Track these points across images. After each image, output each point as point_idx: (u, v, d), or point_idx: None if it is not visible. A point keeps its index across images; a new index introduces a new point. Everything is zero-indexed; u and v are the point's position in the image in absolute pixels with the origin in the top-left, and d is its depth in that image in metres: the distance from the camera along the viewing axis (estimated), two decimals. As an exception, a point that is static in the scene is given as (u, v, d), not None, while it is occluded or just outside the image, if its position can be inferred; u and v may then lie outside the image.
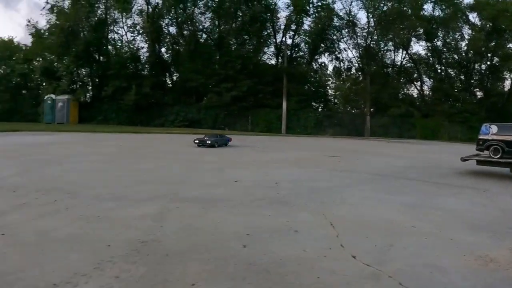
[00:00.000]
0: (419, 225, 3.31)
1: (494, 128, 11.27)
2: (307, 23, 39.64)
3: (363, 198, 4.53)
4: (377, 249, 2.61)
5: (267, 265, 2.33)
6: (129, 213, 3.86)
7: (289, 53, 38.39)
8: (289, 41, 39.09)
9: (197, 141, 12.36)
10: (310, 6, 37.78)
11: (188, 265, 2.39)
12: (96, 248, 2.73)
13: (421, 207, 4.22)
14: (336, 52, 41.41)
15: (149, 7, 36.49)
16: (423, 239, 2.89)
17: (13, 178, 5.58)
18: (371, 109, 40.58)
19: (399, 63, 43.28)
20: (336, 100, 45.75)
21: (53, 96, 34.51)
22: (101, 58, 36.84)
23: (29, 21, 40.79)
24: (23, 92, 41.69)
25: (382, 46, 41.90)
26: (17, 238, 3.01)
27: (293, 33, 39.22)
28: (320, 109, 39.88)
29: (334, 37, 40.91)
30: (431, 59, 42.87)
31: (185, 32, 37.15)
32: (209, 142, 12.22)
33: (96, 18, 37.39)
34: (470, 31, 39.71)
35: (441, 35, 40.68)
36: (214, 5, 36.73)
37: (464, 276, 2.25)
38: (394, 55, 42.75)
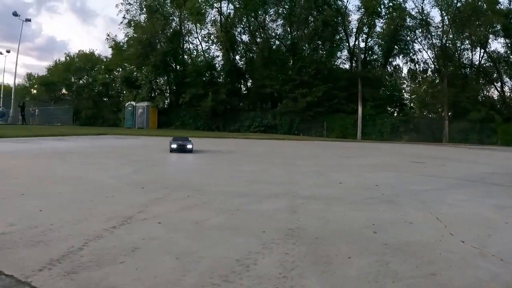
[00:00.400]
0: (511, 221, 3.79)
1: None
2: (379, 25, 38.44)
3: (457, 200, 4.87)
4: (479, 238, 3.18)
5: (398, 245, 2.84)
6: (263, 207, 3.98)
7: (362, 57, 37.40)
8: (362, 45, 38.14)
9: (175, 146, 9.73)
10: (382, 7, 36.63)
11: (337, 245, 2.76)
12: (253, 233, 2.95)
13: (510, 208, 4.61)
14: (411, 54, 39.66)
15: (222, 17, 37.60)
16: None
17: (132, 176, 5.72)
18: (449, 113, 38.12)
19: (477, 62, 40.27)
20: (412, 105, 43.58)
21: (133, 103, 36.64)
22: (178, 67, 38.51)
23: (108, 35, 44.00)
24: (105, 99, 44.84)
25: (458, 45, 39.31)
26: (176, 226, 3.09)
27: (365, 36, 38.26)
28: (395, 114, 38.21)
29: (408, 38, 39.21)
30: (511, 57, 39.36)
31: (258, 40, 37.70)
32: (190, 147, 10.12)
33: (171, 30, 39.22)
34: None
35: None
36: (285, 12, 36.96)
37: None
38: (472, 55, 39.78)
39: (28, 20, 42.00)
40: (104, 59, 46.06)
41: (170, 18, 39.69)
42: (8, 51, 48.74)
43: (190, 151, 9.78)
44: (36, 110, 42.99)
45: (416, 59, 39.63)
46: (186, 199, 4.15)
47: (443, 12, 37.23)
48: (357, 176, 6.73)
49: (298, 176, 6.86)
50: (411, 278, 2.31)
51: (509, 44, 38.25)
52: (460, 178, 7.35)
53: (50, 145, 12.04)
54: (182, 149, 9.78)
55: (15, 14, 39.31)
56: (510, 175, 8.55)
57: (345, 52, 38.53)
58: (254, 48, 37.69)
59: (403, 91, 42.95)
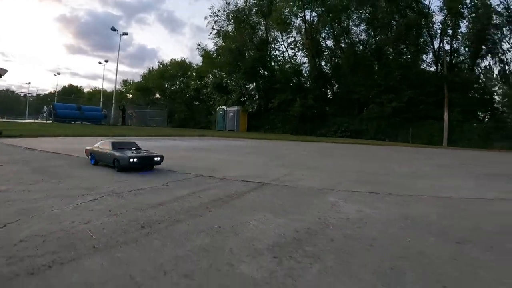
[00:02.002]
0: None
1: None
2: (464, 25, 37.33)
3: None
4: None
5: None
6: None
7: (448, 59, 36.80)
8: (447, 47, 37.50)
9: (134, 161, 6.30)
10: (465, 7, 35.58)
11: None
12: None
13: None
14: (499, 54, 37.90)
15: (306, 24, 39.62)
16: None
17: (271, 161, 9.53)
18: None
19: None
20: (505, 109, 41.38)
21: (224, 107, 40.43)
22: (266, 73, 41.52)
23: (199, 45, 48.55)
24: (196, 103, 49.69)
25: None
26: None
27: (450, 37, 37.50)
28: (486, 120, 36.90)
29: (496, 37, 37.45)
30: None
31: (342, 45, 39.13)
32: (158, 158, 6.73)
33: (258, 38, 42.28)
34: None
35: None
36: (368, 16, 37.72)
37: None
38: None
39: (125, 34, 48.27)
40: (195, 66, 50.88)
41: (257, 27, 42.70)
42: (106, 61, 56.35)
43: (157, 163, 6.65)
44: (133, 113, 49.24)
45: (505, 59, 37.79)
46: (303, 171, 7.62)
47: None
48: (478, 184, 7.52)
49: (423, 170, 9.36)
50: None
51: None
52: None
53: (180, 143, 15.75)
54: (143, 163, 6.45)
55: (113, 29, 45.62)
56: None
57: (430, 55, 38.14)
58: (339, 54, 39.15)
59: (495, 94, 40.89)
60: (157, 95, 55.70)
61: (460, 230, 3.58)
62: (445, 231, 3.51)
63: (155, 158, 6.63)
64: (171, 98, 51.01)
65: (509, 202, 5.63)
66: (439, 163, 12.29)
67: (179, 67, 52.38)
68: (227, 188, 5.05)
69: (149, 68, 59.18)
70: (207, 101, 47.70)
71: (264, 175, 6.56)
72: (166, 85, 53.55)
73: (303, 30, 39.73)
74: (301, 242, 2.93)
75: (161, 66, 56.01)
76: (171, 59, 55.53)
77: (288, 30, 40.25)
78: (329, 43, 40.45)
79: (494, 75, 41.01)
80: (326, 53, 39.97)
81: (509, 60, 38.33)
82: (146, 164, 6.58)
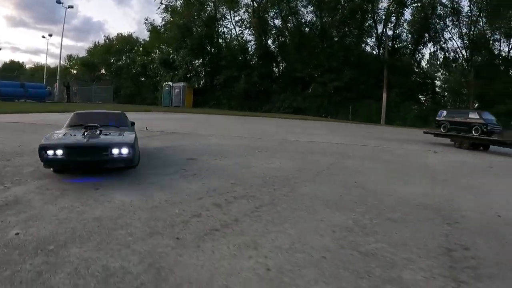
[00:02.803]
0: None
1: (444, 113, 16.92)
2: (409, 13, 38.93)
3: None
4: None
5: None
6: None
7: (390, 44, 38.22)
8: (390, 32, 38.92)
9: (54, 155, 4.12)
10: None
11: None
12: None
13: None
14: (441, 42, 39.98)
15: (254, 3, 39.27)
16: None
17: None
18: (476, 105, 38.56)
19: (508, 54, 40.08)
20: (446, 94, 43.61)
21: (170, 83, 39.16)
22: (213, 50, 40.69)
23: (146, 20, 46.59)
24: (142, 79, 47.75)
25: (489, 35, 39.31)
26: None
27: (393, 24, 38.92)
28: (428, 103, 38.70)
29: (438, 26, 39.49)
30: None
31: (289, 25, 39.25)
32: (129, 155, 4.35)
33: (206, 15, 41.24)
34: None
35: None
36: (316, -2, 38.10)
37: None
38: (503, 46, 39.56)
39: (71, 7, 45.06)
40: (142, 42, 48.82)
41: (205, 3, 41.61)
42: (50, 35, 52.50)
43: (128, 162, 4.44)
44: (77, 89, 46.41)
45: (446, 48, 39.97)
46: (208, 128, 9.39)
47: (472, 0, 37.34)
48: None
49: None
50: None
51: None
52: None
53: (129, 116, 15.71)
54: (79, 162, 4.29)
55: (58, 1, 42.41)
56: None
57: (373, 39, 39.41)
58: (286, 33, 39.25)
59: (438, 79, 43.09)
60: (103, 71, 52.89)
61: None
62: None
63: (114, 151, 4.07)
64: (117, 74, 48.60)
65: (341, 145, 10.68)
66: (345, 131, 16.54)
67: (126, 42, 50.05)
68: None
69: (95, 43, 56.09)
70: (153, 77, 46.06)
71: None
72: (112, 60, 50.96)
73: (251, 8, 39.32)
74: None
75: (107, 40, 53.22)
76: (118, 34, 53.04)
77: (236, 8, 39.61)
78: (277, 22, 40.45)
79: (438, 62, 43.48)
80: (273, 32, 39.92)
81: (449, 49, 40.76)
82: (85, 165, 4.18)
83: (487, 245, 3.16)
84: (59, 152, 3.95)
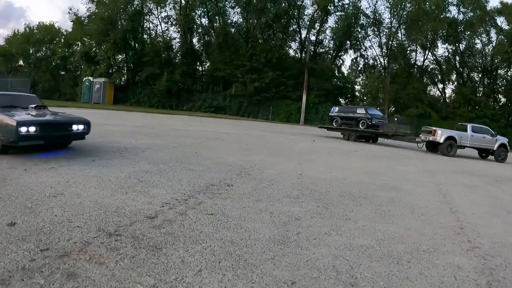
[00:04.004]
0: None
1: (336, 109, 19.09)
2: (333, 20, 40.88)
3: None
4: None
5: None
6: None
7: (313, 49, 39.77)
8: (313, 38, 40.52)
9: (30, 131, 4.57)
10: (334, 5, 38.85)
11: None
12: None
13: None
14: (361, 50, 42.51)
15: (183, 0, 38.70)
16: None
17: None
18: (390, 108, 41.48)
19: (423, 63, 43.61)
20: (364, 97, 46.34)
21: (91, 78, 37.34)
22: (137, 45, 39.44)
23: (70, 9, 43.96)
24: (62, 73, 44.92)
25: (406, 46, 42.50)
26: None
27: (317, 30, 40.57)
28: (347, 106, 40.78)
29: (360, 35, 41.97)
30: (453, 61, 43.09)
31: (215, 25, 39.22)
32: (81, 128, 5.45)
33: (132, 8, 39.89)
34: (496, 36, 39.57)
35: (466, 38, 40.70)
36: (244, 0, 38.51)
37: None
38: (418, 56, 43.05)
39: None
40: (64, 32, 45.97)
41: (133, -4, 40.21)
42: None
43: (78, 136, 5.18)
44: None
45: (366, 55, 42.61)
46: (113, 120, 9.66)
47: (394, 13, 40.19)
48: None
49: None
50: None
51: (453, 50, 42.04)
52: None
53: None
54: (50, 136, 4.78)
55: None
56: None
57: (297, 44, 40.80)
58: (212, 33, 39.21)
59: (358, 84, 45.70)
60: (21, 62, 48.96)
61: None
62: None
63: (74, 127, 4.85)
64: (36, 66, 45.30)
65: (222, 134, 12.36)
66: (247, 127, 18.36)
67: (47, 32, 46.71)
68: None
69: (14, 31, 51.67)
70: (73, 71, 43.53)
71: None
72: (32, 51, 47.35)
73: (178, 5, 38.74)
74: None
75: (27, 29, 49.27)
76: (39, 22, 49.48)
77: (163, 4, 38.78)
78: (204, 21, 40.32)
79: (358, 68, 46.17)
80: (199, 30, 39.72)
81: (369, 56, 43.52)
82: (56, 139, 4.77)
83: (244, 183, 5.05)
84: (33, 128, 4.34)
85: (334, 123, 17.99)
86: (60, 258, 2.26)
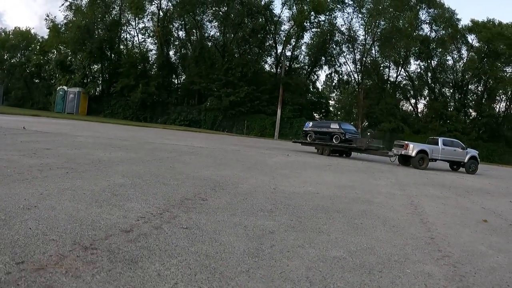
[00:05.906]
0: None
1: (310, 124, 19.49)
2: (308, 37, 41.75)
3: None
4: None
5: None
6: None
7: (288, 64, 40.54)
8: (289, 53, 41.33)
9: None
10: (310, 22, 39.77)
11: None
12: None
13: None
14: (336, 66, 43.54)
15: (161, 12, 38.93)
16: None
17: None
18: (364, 123, 42.52)
19: (395, 79, 44.84)
20: (339, 112, 47.40)
21: (65, 87, 37.02)
22: (113, 56, 39.32)
23: (47, 16, 43.43)
24: (36, 81, 44.27)
25: (379, 62, 43.73)
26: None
27: (292, 46, 41.40)
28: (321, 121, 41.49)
29: (335, 51, 42.99)
30: (425, 77, 44.55)
31: (192, 38, 39.54)
32: None
33: (110, 18, 39.82)
34: (467, 52, 41.04)
35: (438, 55, 42.00)
36: (221, 15, 39.02)
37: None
38: (391, 72, 44.20)
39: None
40: (40, 39, 45.39)
41: (111, 6, 40.14)
42: None
43: None
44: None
45: (340, 71, 43.67)
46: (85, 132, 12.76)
47: (368, 31, 41.38)
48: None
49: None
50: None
51: (425, 66, 43.53)
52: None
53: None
54: None
55: None
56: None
57: (272, 58, 41.50)
58: (189, 45, 39.50)
59: (332, 99, 46.66)
60: (-6, 68, 48.08)
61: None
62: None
63: None
64: (10, 72, 44.53)
65: (196, 147, 12.79)
66: (220, 141, 19.20)
67: (23, 38, 46.02)
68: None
69: (-12, 36, 50.61)
70: (48, 80, 43.00)
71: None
72: (6, 56, 46.52)
73: (156, 17, 38.90)
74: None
75: (3, 33, 48.41)
76: (15, 27, 48.54)
77: (141, 15, 38.83)
78: (181, 33, 40.61)
79: (333, 83, 47.27)
80: (176, 43, 39.99)
81: (343, 72, 44.61)
82: None
83: (218, 197, 5.24)
84: None
85: (308, 138, 18.34)
86: (36, 271, 2.30)
